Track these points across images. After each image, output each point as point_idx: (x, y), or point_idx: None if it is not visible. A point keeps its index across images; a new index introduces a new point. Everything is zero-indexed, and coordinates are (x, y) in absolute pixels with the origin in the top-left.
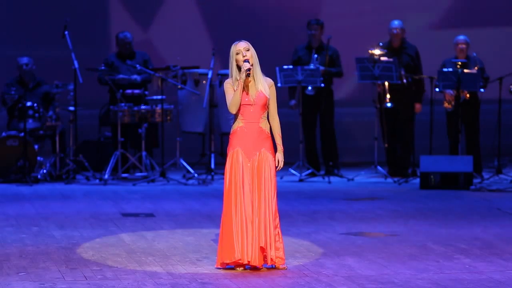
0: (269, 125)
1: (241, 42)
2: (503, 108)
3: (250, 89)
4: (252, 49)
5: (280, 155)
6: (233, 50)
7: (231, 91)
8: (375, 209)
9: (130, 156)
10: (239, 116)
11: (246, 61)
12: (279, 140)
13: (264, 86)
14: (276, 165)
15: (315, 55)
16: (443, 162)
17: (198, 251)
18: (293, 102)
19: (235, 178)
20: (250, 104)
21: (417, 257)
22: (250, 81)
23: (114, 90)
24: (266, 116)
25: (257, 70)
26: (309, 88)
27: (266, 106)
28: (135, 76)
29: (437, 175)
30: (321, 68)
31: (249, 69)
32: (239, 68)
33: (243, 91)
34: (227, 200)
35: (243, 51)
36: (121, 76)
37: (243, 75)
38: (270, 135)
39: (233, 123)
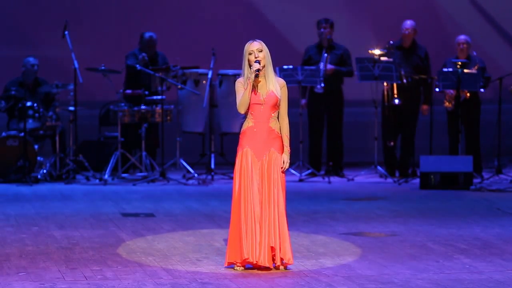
0: (279, 125)
1: (254, 42)
2: (503, 108)
3: (261, 89)
4: (265, 50)
5: (285, 156)
6: (247, 49)
7: (242, 90)
8: (375, 209)
9: (130, 156)
10: (249, 115)
11: (257, 61)
12: (286, 141)
13: (275, 87)
14: (281, 166)
15: (325, 54)
16: (443, 162)
17: (198, 251)
18: (304, 101)
19: (244, 178)
20: (260, 104)
21: (417, 257)
22: (260, 81)
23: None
24: (277, 116)
25: (269, 71)
26: (318, 86)
27: (276, 106)
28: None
29: (437, 175)
30: (331, 67)
31: (258, 70)
32: (251, 67)
33: (253, 90)
34: (236, 200)
35: (255, 52)
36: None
37: (252, 76)
38: (280, 135)
39: (243, 122)
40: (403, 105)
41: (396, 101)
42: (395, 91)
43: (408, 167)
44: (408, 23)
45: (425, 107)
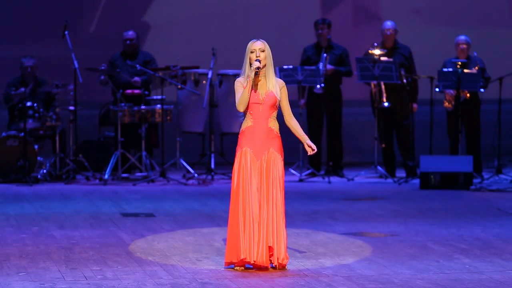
0: (277, 125)
1: (257, 42)
2: (503, 108)
3: (261, 88)
4: (267, 50)
5: (309, 141)
6: (249, 47)
7: (241, 89)
8: (375, 209)
9: (130, 156)
10: (248, 115)
11: (257, 60)
12: (301, 131)
13: (275, 87)
14: (313, 149)
15: (325, 54)
16: (443, 162)
17: (198, 251)
18: (302, 101)
19: (243, 178)
20: (259, 103)
21: (417, 257)
22: (260, 80)
23: (114, 90)
24: (276, 116)
25: (269, 71)
26: (318, 86)
27: (275, 107)
28: (135, 78)
29: (437, 175)
30: (331, 67)
31: (258, 68)
32: (251, 66)
33: (253, 89)
34: (234, 200)
35: (257, 51)
36: (122, 74)
37: (252, 74)
38: (279, 135)
39: (242, 122)
40: (394, 106)
41: (386, 104)
42: (384, 93)
43: (411, 166)
44: (389, 23)
45: (414, 105)
